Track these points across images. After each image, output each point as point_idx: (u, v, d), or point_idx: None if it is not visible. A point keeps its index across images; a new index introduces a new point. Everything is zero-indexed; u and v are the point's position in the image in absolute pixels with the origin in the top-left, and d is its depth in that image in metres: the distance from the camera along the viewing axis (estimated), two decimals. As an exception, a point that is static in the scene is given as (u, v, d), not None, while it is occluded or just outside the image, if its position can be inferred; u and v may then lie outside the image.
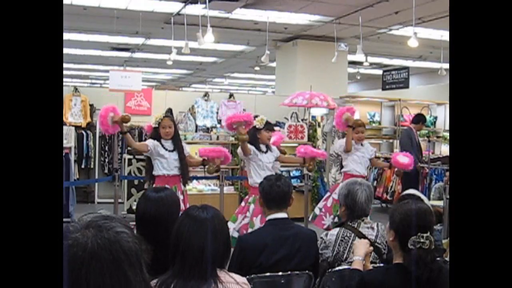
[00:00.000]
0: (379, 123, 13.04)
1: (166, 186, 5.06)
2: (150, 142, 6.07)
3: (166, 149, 6.08)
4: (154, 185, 6.08)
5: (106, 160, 11.44)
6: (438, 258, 3.31)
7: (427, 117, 13.49)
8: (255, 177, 6.00)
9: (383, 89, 13.48)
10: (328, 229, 5.69)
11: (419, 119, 10.29)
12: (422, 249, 2.66)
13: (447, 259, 3.79)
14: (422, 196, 4.02)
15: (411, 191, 4.23)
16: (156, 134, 6.14)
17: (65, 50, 14.88)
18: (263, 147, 6.17)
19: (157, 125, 6.13)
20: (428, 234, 2.68)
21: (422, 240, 2.66)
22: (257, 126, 6.18)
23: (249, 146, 6.03)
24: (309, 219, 7.28)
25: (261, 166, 6.08)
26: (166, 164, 6.09)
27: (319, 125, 11.50)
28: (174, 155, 6.11)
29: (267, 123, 6.22)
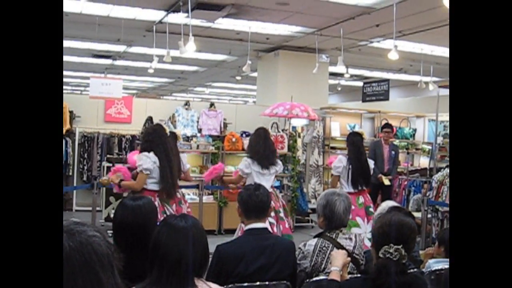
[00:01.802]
0: (359, 134, 13.11)
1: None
2: (146, 169, 5.76)
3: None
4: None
5: (85, 167, 11.36)
6: (415, 270, 3.34)
7: (407, 129, 13.61)
8: None
9: (363, 101, 13.57)
10: None
11: (381, 128, 10.45)
12: (389, 259, 2.66)
13: (424, 270, 3.82)
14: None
15: (389, 202, 4.25)
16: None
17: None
18: None
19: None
20: (400, 247, 2.68)
21: (390, 251, 2.66)
22: None
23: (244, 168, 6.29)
24: None
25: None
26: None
27: (299, 136, 11.54)
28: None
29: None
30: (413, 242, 2.88)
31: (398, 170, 11.65)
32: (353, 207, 6.01)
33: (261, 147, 6.53)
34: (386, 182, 9.42)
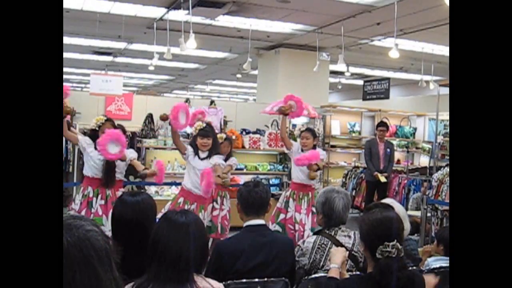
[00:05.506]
0: (359, 133, 13.13)
1: (142, 190, 4.98)
2: (81, 137, 6.01)
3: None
4: (81, 185, 5.94)
5: (85, 164, 11.34)
6: (414, 267, 3.34)
7: (407, 128, 13.61)
8: (186, 179, 5.98)
9: (364, 99, 13.56)
10: None
11: (376, 126, 10.74)
12: (389, 257, 2.68)
13: (423, 268, 3.83)
14: (396, 204, 4.05)
15: (388, 200, 4.26)
16: (95, 136, 5.96)
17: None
18: (202, 154, 6.02)
19: (97, 128, 5.97)
20: (395, 242, 2.69)
21: (388, 249, 2.67)
22: (193, 133, 6.12)
23: (188, 148, 6.01)
24: None
25: (193, 171, 5.95)
26: (92, 165, 5.91)
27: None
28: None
29: (201, 129, 6.07)
30: (403, 233, 2.91)
31: (398, 169, 11.69)
32: None
33: None
34: (382, 179, 9.56)
